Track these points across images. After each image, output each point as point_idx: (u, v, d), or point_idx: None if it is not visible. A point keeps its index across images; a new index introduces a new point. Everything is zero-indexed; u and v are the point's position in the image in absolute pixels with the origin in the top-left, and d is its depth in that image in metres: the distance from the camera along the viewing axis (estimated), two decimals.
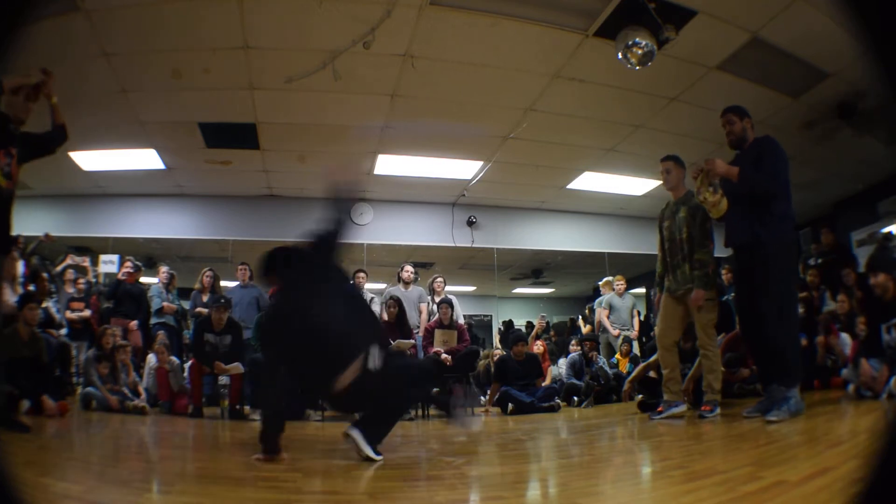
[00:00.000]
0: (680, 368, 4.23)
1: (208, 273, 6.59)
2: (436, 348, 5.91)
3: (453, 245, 8.48)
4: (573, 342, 7.42)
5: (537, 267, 10.45)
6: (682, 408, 4.02)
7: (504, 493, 1.85)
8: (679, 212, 4.07)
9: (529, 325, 9.74)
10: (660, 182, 7.67)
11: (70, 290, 6.45)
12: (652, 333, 5.93)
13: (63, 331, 5.96)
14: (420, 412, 5.73)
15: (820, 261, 6.48)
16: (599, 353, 6.99)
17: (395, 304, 5.97)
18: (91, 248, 7.77)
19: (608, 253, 9.16)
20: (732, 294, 4.83)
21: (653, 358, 5.15)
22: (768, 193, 3.43)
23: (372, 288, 7.11)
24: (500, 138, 6.36)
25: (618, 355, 7.29)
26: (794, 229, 3.59)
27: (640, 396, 5.30)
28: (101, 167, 6.85)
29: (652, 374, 5.08)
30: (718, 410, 3.75)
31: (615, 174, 7.53)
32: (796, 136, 6.04)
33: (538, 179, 7.70)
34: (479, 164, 7.09)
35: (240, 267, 6.75)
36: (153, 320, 6.45)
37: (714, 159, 3.51)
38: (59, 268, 6.67)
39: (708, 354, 3.94)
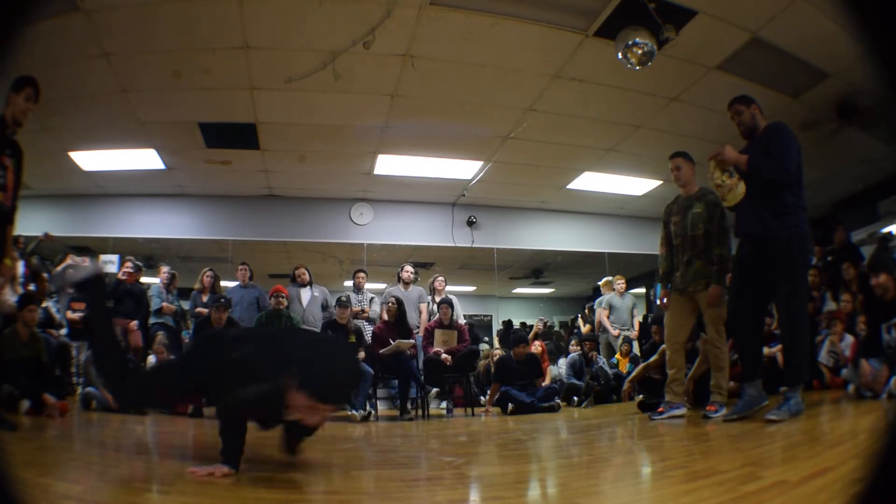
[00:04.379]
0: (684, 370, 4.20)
1: (208, 273, 6.59)
2: (436, 348, 5.92)
3: (453, 245, 8.48)
4: (573, 342, 7.43)
5: (537, 267, 10.45)
6: (683, 410, 4.00)
7: (504, 493, 1.85)
8: (693, 207, 3.98)
9: (522, 326, 9.74)
10: (659, 182, 7.70)
11: (70, 290, 6.44)
12: (653, 331, 5.91)
13: (63, 331, 5.96)
14: (420, 412, 5.73)
15: (830, 258, 6.47)
16: (599, 353, 7.00)
17: (396, 303, 5.98)
18: (91, 248, 7.77)
19: (608, 253, 9.17)
20: None
21: (653, 358, 5.15)
22: (777, 180, 3.32)
23: (372, 288, 7.12)
24: (500, 138, 6.37)
25: (618, 355, 7.29)
26: (807, 220, 3.42)
27: (640, 396, 5.30)
28: (101, 167, 6.85)
29: (656, 375, 5.06)
30: (724, 411, 3.64)
31: (615, 174, 7.53)
32: (797, 136, 6.05)
33: (538, 179, 7.70)
34: (479, 164, 7.09)
35: (240, 267, 6.75)
36: (152, 320, 6.45)
37: (724, 146, 3.39)
38: (59, 268, 6.67)
39: (716, 352, 3.86)
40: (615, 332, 7.52)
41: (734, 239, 3.66)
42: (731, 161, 3.39)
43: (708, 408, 3.75)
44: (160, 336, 5.87)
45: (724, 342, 3.93)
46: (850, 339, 5.17)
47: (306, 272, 6.53)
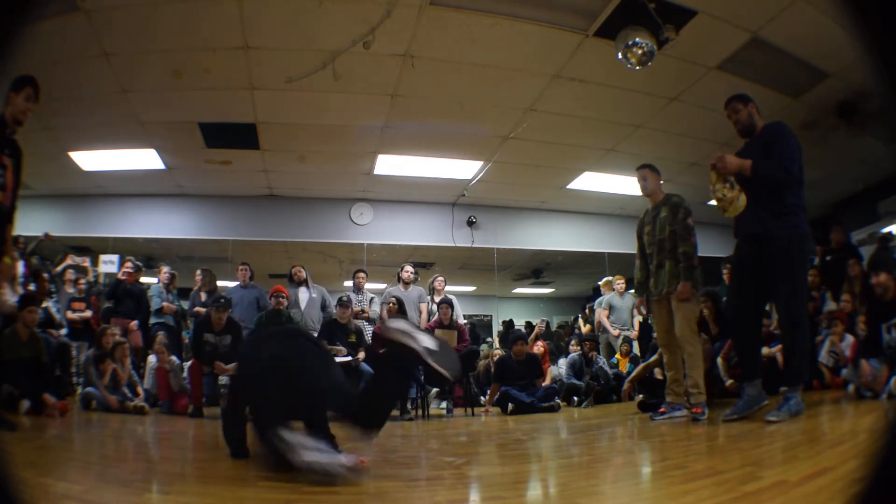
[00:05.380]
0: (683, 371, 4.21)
1: (198, 273, 6.63)
2: None
3: (453, 245, 8.48)
4: (573, 342, 7.42)
5: (537, 267, 10.45)
6: (684, 412, 4.00)
7: (504, 493, 1.85)
8: (660, 213, 4.08)
9: (528, 326, 9.74)
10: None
11: (70, 290, 6.45)
12: (653, 335, 5.92)
13: (63, 331, 5.96)
14: (420, 412, 5.73)
15: (829, 258, 6.46)
16: (599, 353, 7.00)
17: (396, 303, 5.98)
18: (91, 248, 7.77)
19: (608, 253, 9.16)
20: None
21: (653, 358, 5.15)
22: (779, 181, 3.29)
23: (372, 288, 7.12)
24: (500, 138, 6.36)
25: (618, 355, 7.29)
26: (807, 221, 3.40)
27: (640, 396, 5.30)
28: (101, 167, 6.85)
29: (658, 374, 5.06)
30: (706, 411, 3.71)
31: (615, 174, 7.52)
32: (796, 136, 6.05)
33: (538, 179, 7.70)
34: (479, 164, 7.09)
35: (240, 267, 6.75)
36: (153, 320, 6.45)
37: (724, 155, 3.33)
38: (59, 268, 6.68)
39: (690, 350, 3.88)
40: (615, 332, 7.51)
41: (734, 239, 3.65)
42: (734, 168, 3.31)
43: (694, 410, 3.77)
44: (160, 336, 5.88)
45: (698, 340, 3.99)
46: (850, 339, 5.16)
47: (302, 269, 6.53)
